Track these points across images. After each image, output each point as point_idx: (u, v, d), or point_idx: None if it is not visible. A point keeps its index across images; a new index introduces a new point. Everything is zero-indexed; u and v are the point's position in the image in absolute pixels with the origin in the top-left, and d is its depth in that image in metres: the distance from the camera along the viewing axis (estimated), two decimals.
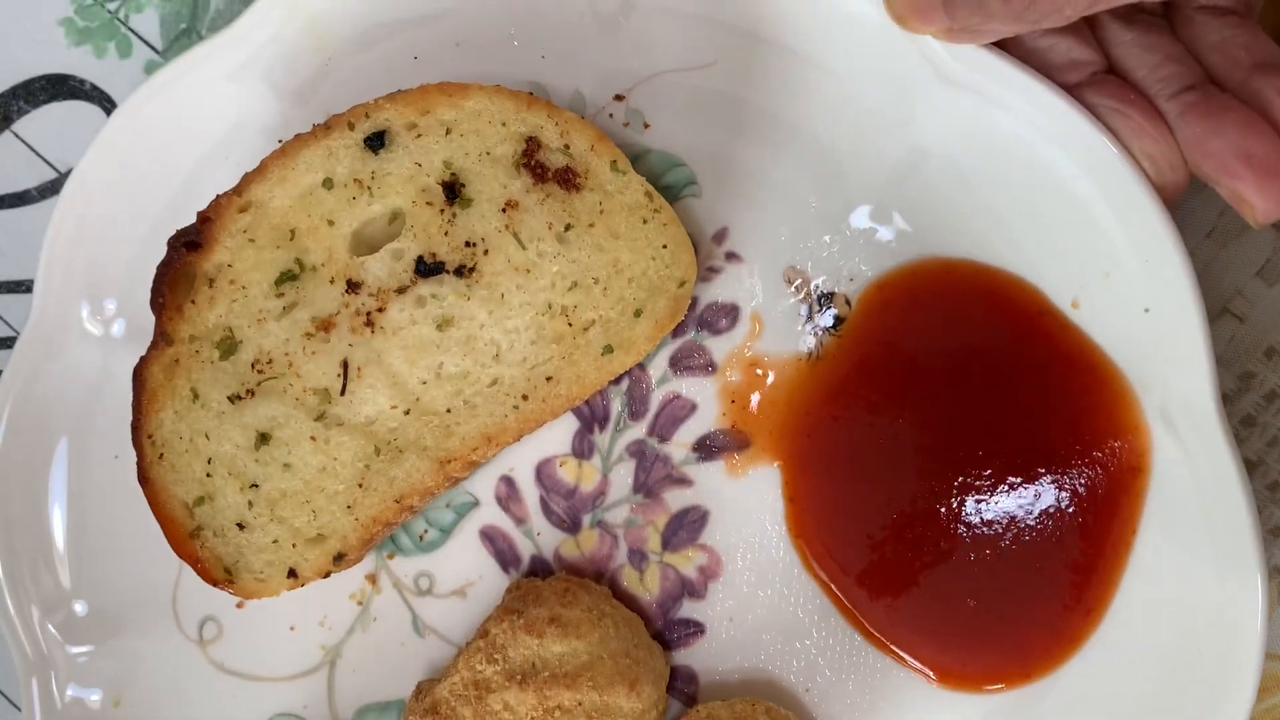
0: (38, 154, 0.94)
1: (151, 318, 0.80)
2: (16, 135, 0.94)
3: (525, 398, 0.76)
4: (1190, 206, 0.81)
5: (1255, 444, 0.82)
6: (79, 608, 0.88)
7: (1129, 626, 0.75)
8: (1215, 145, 0.66)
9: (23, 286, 0.95)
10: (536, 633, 0.77)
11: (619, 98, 0.83)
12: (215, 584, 0.80)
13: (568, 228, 0.76)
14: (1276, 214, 0.65)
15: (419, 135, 0.76)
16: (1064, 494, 0.75)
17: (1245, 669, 0.71)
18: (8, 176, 0.94)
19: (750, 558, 0.82)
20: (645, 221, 0.75)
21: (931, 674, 0.78)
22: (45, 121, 0.93)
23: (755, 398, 0.82)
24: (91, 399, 0.87)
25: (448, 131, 0.76)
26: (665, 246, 0.75)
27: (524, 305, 0.76)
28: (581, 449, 0.85)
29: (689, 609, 0.83)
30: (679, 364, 0.83)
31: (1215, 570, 0.72)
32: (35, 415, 0.87)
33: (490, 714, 0.78)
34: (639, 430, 0.84)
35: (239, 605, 0.88)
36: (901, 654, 0.79)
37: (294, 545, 0.79)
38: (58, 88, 0.93)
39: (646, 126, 0.83)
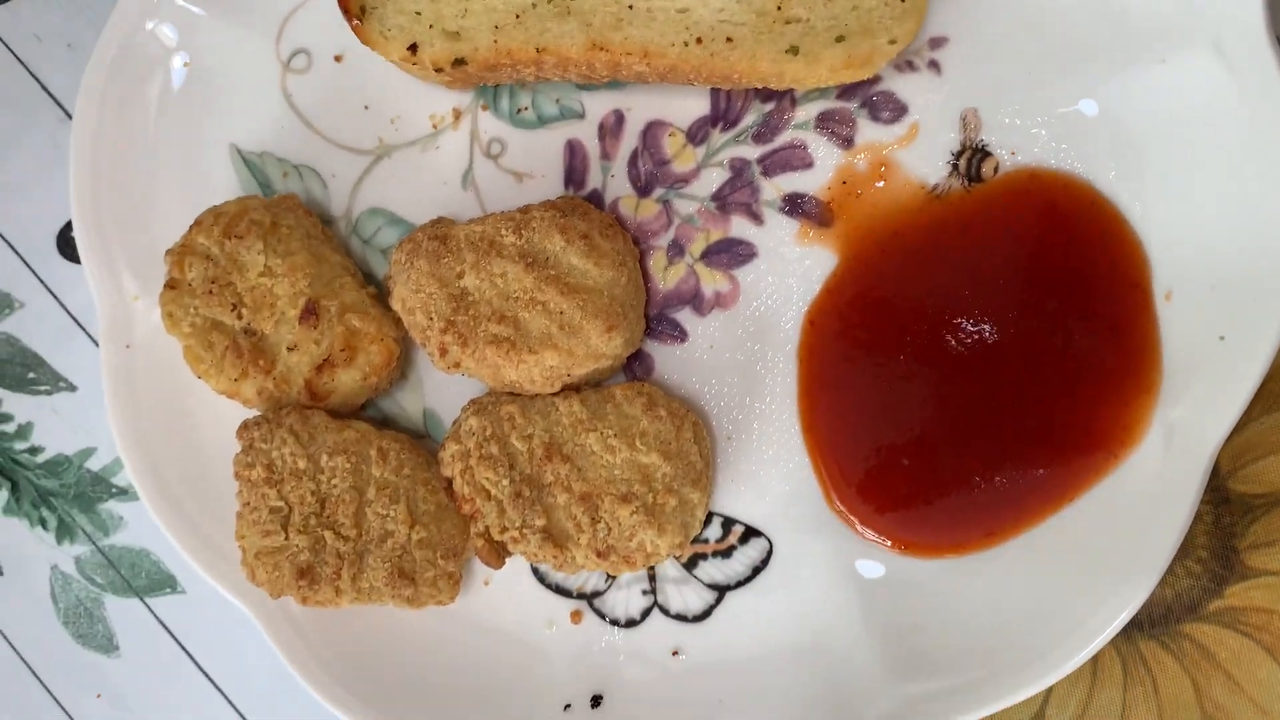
0: None
1: None
2: None
3: (699, 41, 0.78)
4: None
5: None
6: None
7: (1012, 562, 0.81)
8: None
9: None
10: (568, 238, 0.82)
11: None
12: (345, 12, 0.83)
13: None
14: None
15: None
16: (1051, 429, 0.80)
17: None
18: None
19: (762, 312, 0.87)
20: None
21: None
22: None
23: (865, 192, 0.85)
24: None
25: None
26: (903, 1, 0.76)
27: None
28: (696, 134, 0.88)
29: (685, 316, 0.88)
30: (825, 122, 0.86)
31: (1112, 573, 0.78)
32: None
33: (485, 270, 0.83)
34: (752, 151, 0.87)
35: (337, 58, 0.92)
36: (822, 465, 0.85)
37: (430, 26, 0.82)
38: None
39: None
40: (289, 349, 0.86)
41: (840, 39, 0.77)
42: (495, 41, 0.80)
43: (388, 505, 0.84)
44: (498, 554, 0.84)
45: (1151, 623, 0.85)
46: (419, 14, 0.82)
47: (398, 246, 0.86)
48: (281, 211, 0.88)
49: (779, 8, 0.77)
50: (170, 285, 0.87)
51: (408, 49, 0.82)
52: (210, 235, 0.87)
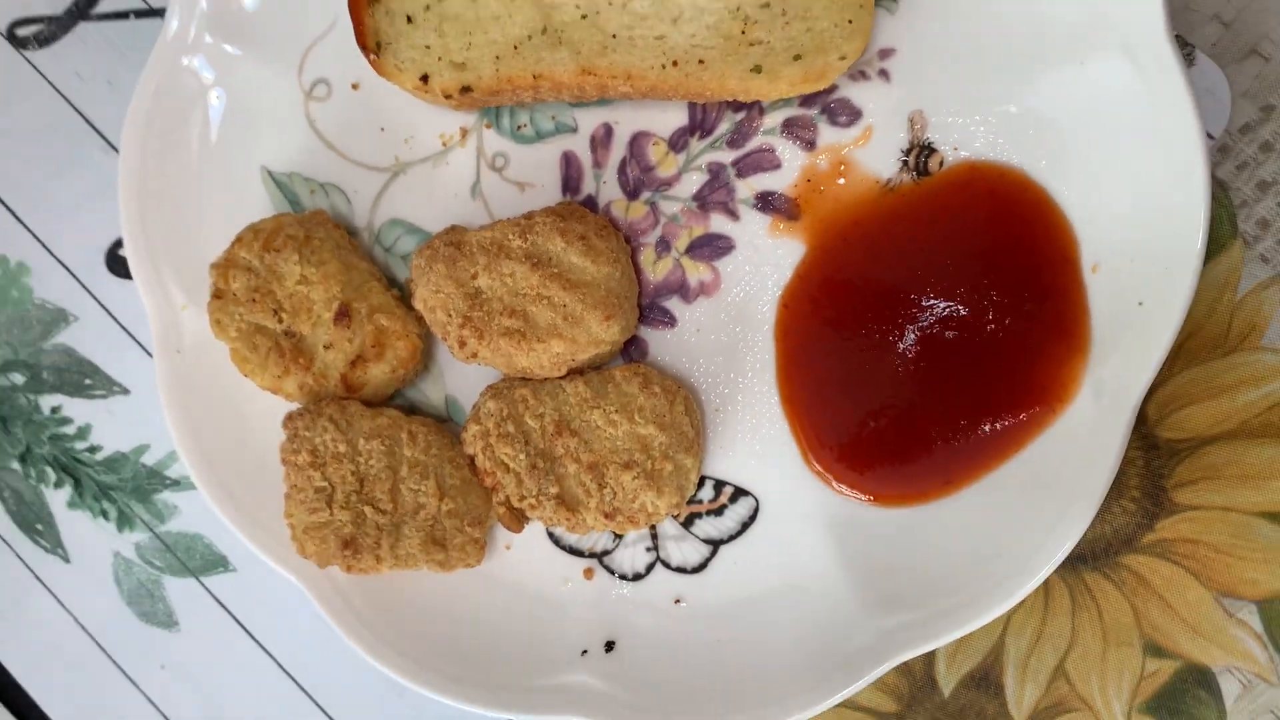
0: None
1: None
2: None
3: (675, 64, 0.89)
4: None
5: (1271, 167, 0.96)
6: (249, 2, 1.01)
7: (969, 506, 0.92)
8: None
9: None
10: (568, 240, 0.93)
11: None
12: (363, 48, 0.94)
13: None
14: None
15: None
16: (998, 388, 0.91)
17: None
18: None
19: (741, 298, 0.98)
20: None
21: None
22: None
23: (827, 188, 0.96)
24: None
25: None
26: (850, 22, 0.87)
27: None
28: (676, 142, 0.99)
29: (674, 304, 1.00)
30: (789, 128, 0.97)
31: (1055, 511, 0.89)
32: None
33: (496, 270, 0.94)
34: (726, 156, 0.98)
35: (354, 86, 1.03)
36: (800, 426, 0.97)
37: (439, 59, 0.93)
38: None
39: None
40: (325, 348, 0.97)
41: (798, 57, 0.88)
42: (497, 70, 0.91)
43: (419, 481, 0.96)
44: (517, 520, 0.95)
45: (1094, 556, 0.97)
46: (428, 48, 0.93)
47: (417, 253, 0.97)
48: (313, 225, 0.99)
49: (743, 32, 0.88)
50: (216, 295, 0.98)
51: (420, 79, 0.93)
52: (250, 249, 0.98)
